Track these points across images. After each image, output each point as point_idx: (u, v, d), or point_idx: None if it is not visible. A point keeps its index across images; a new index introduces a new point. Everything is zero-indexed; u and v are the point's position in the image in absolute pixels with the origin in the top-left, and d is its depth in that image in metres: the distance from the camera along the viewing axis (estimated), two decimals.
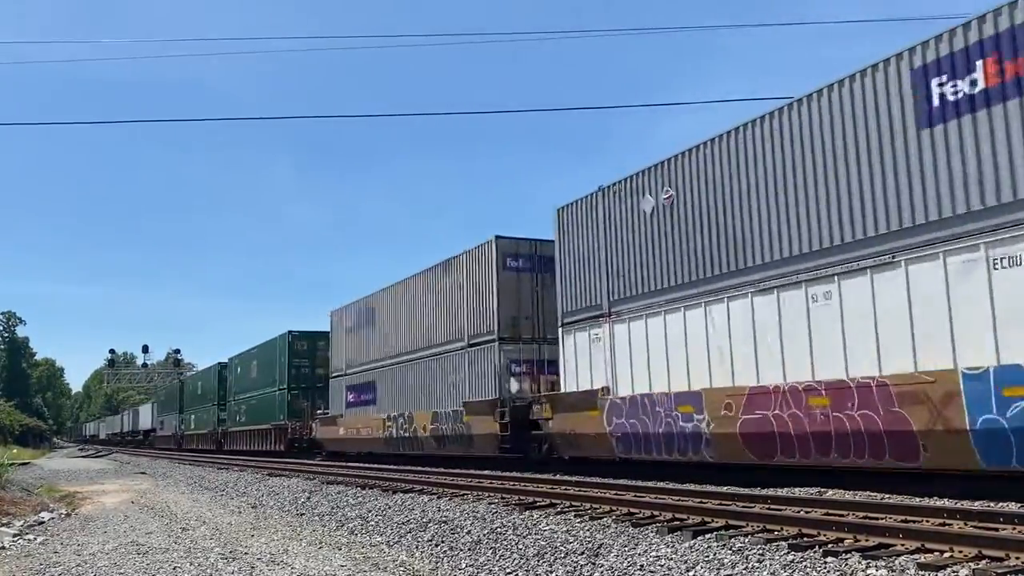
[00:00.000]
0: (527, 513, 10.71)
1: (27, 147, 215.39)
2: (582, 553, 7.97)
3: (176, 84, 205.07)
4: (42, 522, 13.63)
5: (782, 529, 7.97)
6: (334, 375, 31.22)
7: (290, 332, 36.86)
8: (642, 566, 7.19)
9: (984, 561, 6.16)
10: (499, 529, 9.70)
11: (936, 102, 10.54)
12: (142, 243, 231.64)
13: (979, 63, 10.08)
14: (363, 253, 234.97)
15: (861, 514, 8.33)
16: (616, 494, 11.65)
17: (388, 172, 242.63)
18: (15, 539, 11.36)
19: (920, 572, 6.08)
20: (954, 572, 5.97)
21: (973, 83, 10.14)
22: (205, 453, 47.83)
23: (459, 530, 10.04)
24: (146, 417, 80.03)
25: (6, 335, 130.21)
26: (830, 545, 7.08)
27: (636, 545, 8.01)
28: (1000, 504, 8.93)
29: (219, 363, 49.60)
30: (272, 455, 36.35)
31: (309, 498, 15.70)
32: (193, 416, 56.26)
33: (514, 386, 19.58)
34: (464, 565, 8.30)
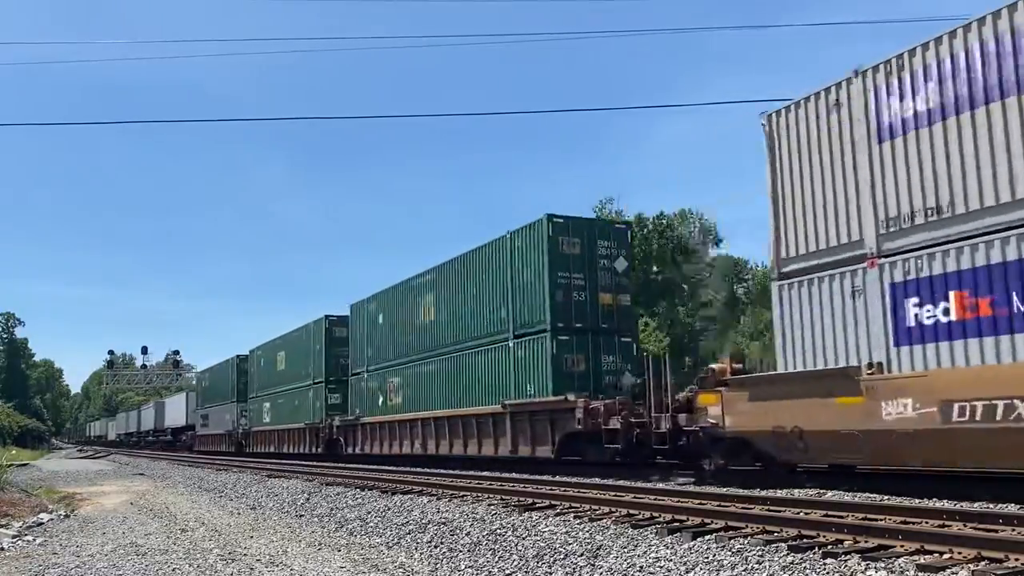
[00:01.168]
0: (526, 514, 10.70)
1: (25, 147, 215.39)
2: (582, 554, 7.97)
3: (174, 85, 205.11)
4: (41, 523, 13.63)
5: (782, 530, 7.97)
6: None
7: (551, 218, 18.20)
8: (641, 567, 7.19)
9: (983, 562, 6.15)
10: (498, 530, 9.70)
11: None
12: (141, 244, 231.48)
13: None
14: (365, 253, 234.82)
15: (860, 515, 8.32)
16: (616, 495, 11.65)
17: (386, 172, 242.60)
18: (14, 540, 11.36)
19: (919, 573, 6.08)
20: (953, 573, 5.97)
21: None
22: (306, 460, 30.34)
23: (458, 531, 10.03)
24: (177, 411, 62.74)
25: (5, 336, 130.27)
26: (829, 546, 7.07)
27: (636, 546, 8.01)
28: (999, 505, 8.93)
29: (325, 316, 31.39)
30: (532, 464, 18.47)
31: (308, 499, 15.70)
32: (268, 405, 37.87)
33: None
34: (463, 567, 8.30)
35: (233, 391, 43.52)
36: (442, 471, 19.30)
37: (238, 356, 43.93)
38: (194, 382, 62.83)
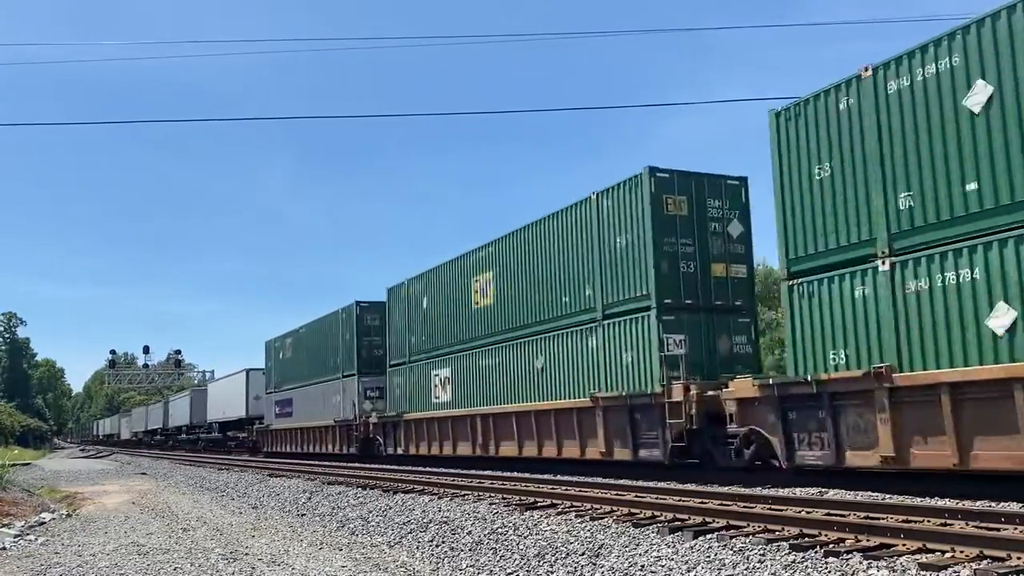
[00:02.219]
0: (528, 513, 10.71)
1: (27, 147, 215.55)
2: (583, 553, 7.97)
3: (173, 85, 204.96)
4: (43, 523, 13.64)
5: (783, 529, 7.96)
6: None
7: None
8: (643, 566, 7.19)
9: (985, 561, 6.15)
10: (500, 529, 9.70)
11: None
12: (143, 244, 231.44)
13: None
14: (363, 254, 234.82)
15: (862, 514, 8.32)
16: (617, 494, 11.65)
17: (387, 172, 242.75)
18: (16, 540, 11.37)
19: (921, 572, 6.07)
20: (955, 572, 5.96)
21: None
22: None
23: (460, 530, 10.03)
24: (228, 398, 45.37)
25: (7, 336, 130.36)
26: (831, 545, 7.07)
27: (637, 545, 8.01)
28: (1001, 504, 8.92)
29: (649, 168, 15.49)
30: None
31: (310, 499, 15.71)
32: (445, 373, 22.47)
33: None
34: (465, 566, 8.30)
35: (349, 359, 28.17)
36: (442, 470, 19.30)
37: (358, 303, 28.01)
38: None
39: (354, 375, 27.99)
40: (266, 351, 39.15)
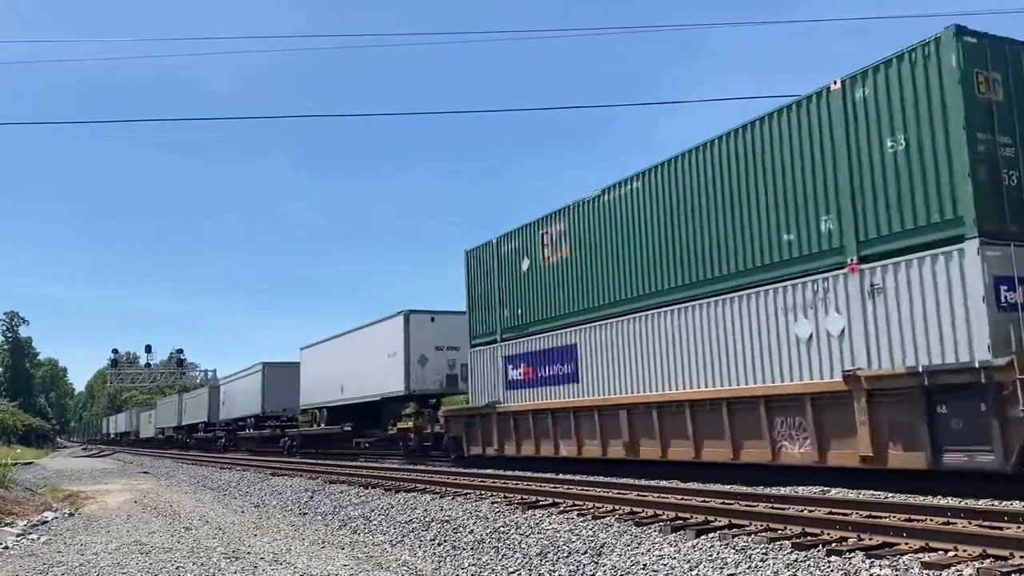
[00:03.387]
0: (530, 512, 10.70)
1: (25, 148, 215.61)
2: (585, 552, 7.96)
3: (171, 85, 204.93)
4: (45, 522, 13.65)
5: (786, 528, 7.95)
6: None
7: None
8: (645, 565, 7.18)
9: (988, 560, 6.14)
10: (502, 528, 9.70)
11: None
12: (143, 243, 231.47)
13: None
14: (364, 254, 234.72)
15: (865, 513, 8.31)
16: (619, 493, 11.64)
17: (388, 172, 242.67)
18: (18, 539, 11.38)
19: (924, 571, 6.06)
20: (958, 571, 5.95)
21: None
22: None
23: (462, 529, 10.04)
24: (362, 368, 26.72)
25: (9, 335, 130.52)
26: (834, 544, 7.06)
27: (639, 544, 8.00)
28: (1004, 503, 8.90)
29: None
30: None
31: (312, 497, 15.71)
32: None
33: None
34: (467, 564, 8.30)
35: (941, 198, 10.01)
36: (444, 469, 19.37)
37: (961, 33, 9.90)
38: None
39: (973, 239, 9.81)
40: (467, 268, 21.63)
